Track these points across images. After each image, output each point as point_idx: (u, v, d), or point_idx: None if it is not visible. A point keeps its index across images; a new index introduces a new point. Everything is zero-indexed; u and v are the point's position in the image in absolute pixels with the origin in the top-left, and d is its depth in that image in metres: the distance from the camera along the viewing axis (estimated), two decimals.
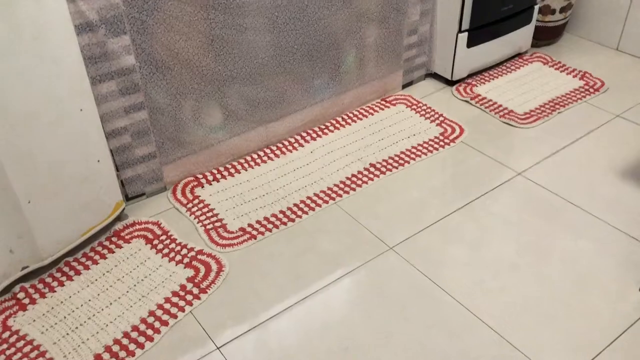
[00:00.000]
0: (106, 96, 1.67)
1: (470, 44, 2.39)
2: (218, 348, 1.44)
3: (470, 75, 2.54)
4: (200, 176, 1.99)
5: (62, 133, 1.52)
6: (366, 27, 2.21)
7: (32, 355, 1.42)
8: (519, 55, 2.69)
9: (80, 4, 1.49)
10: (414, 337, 1.45)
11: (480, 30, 2.39)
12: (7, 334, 1.48)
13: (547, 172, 2.00)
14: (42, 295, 1.58)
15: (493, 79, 2.53)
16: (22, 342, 1.45)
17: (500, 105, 2.35)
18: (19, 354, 1.43)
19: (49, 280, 1.62)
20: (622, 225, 1.77)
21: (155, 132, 1.83)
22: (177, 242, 1.74)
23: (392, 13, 2.25)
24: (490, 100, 2.39)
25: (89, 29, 1.55)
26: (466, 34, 2.35)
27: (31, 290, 1.59)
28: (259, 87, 2.01)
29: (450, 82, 2.51)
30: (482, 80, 2.52)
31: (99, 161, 1.65)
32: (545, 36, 2.75)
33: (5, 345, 1.45)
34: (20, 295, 1.57)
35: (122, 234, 1.77)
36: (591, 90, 2.44)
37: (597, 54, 2.72)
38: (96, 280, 1.62)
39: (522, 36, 2.60)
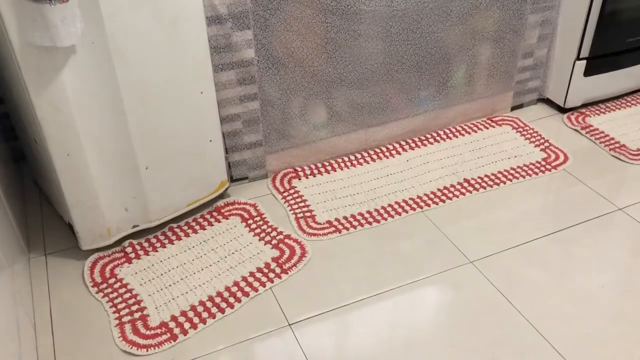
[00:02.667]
0: (225, 84, 1.84)
1: (588, 73, 2.32)
2: (290, 325, 1.54)
3: (584, 105, 2.47)
4: (298, 169, 2.12)
5: (183, 111, 1.71)
6: (480, 45, 2.23)
7: (130, 302, 1.61)
8: None
9: None
10: (479, 351, 1.46)
11: (601, 59, 2.32)
12: (112, 280, 1.68)
13: None
14: (146, 253, 1.77)
15: (609, 112, 2.44)
16: (123, 289, 1.65)
17: (613, 139, 2.26)
18: (120, 299, 1.62)
19: (153, 240, 1.82)
20: None
21: (264, 123, 1.99)
22: (269, 224, 1.87)
23: (508, 34, 2.26)
24: (603, 132, 2.31)
25: (218, 22, 1.73)
26: (584, 62, 2.29)
27: (137, 247, 1.79)
28: (365, 92, 2.10)
29: (562, 110, 2.45)
30: (597, 112, 2.44)
31: (211, 141, 1.82)
32: None
33: (110, 289, 1.65)
34: (128, 249, 1.77)
35: (222, 210, 1.93)
36: None
37: None
38: (193, 247, 1.79)
39: None
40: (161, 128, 1.68)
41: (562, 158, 2.17)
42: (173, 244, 1.81)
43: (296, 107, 2.02)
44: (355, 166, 2.14)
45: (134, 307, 1.59)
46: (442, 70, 2.21)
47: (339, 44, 1.96)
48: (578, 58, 2.29)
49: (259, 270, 1.70)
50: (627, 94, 2.55)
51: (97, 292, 1.65)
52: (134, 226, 1.80)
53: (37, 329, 1.56)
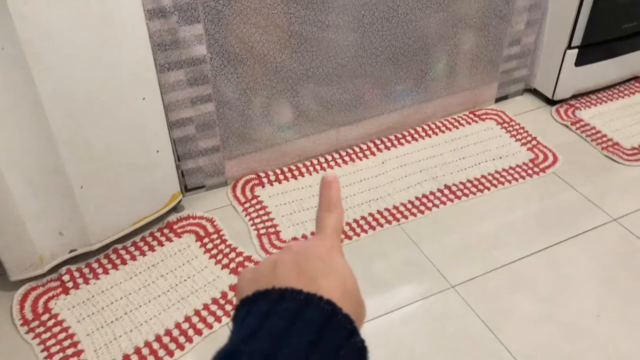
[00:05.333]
0: (173, 85, 1.60)
1: (580, 62, 2.12)
2: None
3: (574, 97, 2.27)
4: (262, 175, 1.90)
5: (122, 121, 1.47)
6: (462, 33, 2.01)
7: (65, 343, 1.40)
8: (635, 78, 2.38)
9: None
10: None
11: (594, 47, 2.12)
12: (46, 316, 1.47)
13: None
14: (86, 281, 1.56)
15: (600, 104, 2.25)
16: (58, 328, 1.44)
17: (605, 135, 2.08)
18: (53, 340, 1.41)
19: (95, 265, 1.60)
20: None
21: (220, 126, 1.76)
22: (227, 243, 1.66)
23: (494, 20, 2.04)
24: (594, 127, 2.12)
25: (162, 15, 1.48)
26: (576, 50, 2.09)
27: (76, 274, 1.57)
28: (335, 88, 1.88)
29: (550, 102, 2.26)
30: (588, 104, 2.25)
31: (158, 151, 1.60)
32: None
33: (42, 328, 1.44)
34: (66, 277, 1.55)
35: (175, 226, 1.72)
36: None
37: None
38: (140, 273, 1.58)
39: None
40: (96, 142, 1.44)
41: (550, 159, 1.99)
42: (117, 269, 1.59)
43: (257, 108, 1.79)
44: (325, 170, 1.93)
45: (69, 351, 1.39)
46: (421, 62, 1.99)
47: (304, 37, 1.72)
48: (569, 47, 2.08)
49: (215, 301, 1.50)
50: (618, 84, 2.36)
51: (26, 332, 1.43)
52: (72, 250, 1.57)
53: None
